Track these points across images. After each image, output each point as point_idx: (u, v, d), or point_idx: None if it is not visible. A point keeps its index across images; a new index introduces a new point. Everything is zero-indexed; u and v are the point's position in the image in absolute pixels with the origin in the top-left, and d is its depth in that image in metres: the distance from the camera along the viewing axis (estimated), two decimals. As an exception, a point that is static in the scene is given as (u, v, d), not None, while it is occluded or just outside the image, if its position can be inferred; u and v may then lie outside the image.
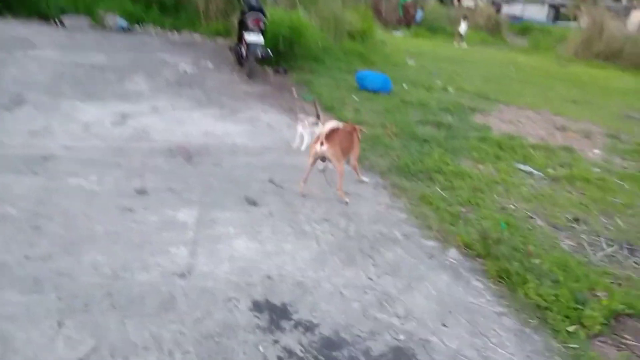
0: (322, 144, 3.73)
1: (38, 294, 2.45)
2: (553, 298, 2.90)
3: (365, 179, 4.39)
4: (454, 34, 20.60)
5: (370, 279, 2.97)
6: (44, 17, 9.92)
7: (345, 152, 3.97)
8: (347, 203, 3.90)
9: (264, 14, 7.99)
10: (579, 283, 3.10)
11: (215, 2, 11.03)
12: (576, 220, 4.14)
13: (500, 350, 2.52)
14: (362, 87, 7.96)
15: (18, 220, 3.06)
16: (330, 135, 3.77)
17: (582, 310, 2.82)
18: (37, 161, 3.90)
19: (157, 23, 10.97)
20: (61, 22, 9.85)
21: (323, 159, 3.89)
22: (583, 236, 3.88)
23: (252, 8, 7.93)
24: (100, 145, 4.42)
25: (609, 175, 5.37)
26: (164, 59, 8.34)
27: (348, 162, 4.16)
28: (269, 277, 2.83)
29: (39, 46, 7.97)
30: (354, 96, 7.44)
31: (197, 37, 10.88)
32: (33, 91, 5.68)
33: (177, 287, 2.62)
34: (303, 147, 4.90)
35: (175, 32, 10.91)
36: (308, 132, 4.89)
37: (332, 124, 3.79)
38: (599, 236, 3.92)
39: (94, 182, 3.69)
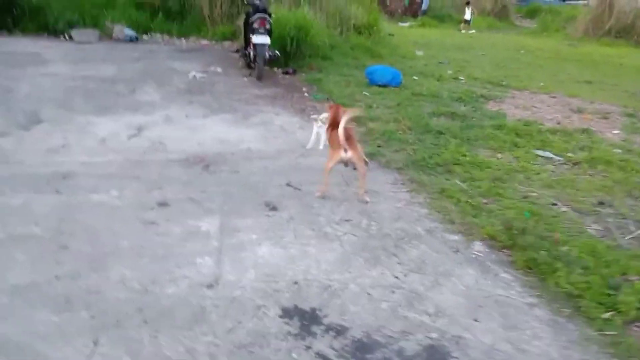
0: (345, 150, 3.71)
1: (70, 312, 2.46)
2: (585, 285, 2.86)
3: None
4: (461, 21, 20.47)
5: (397, 278, 2.95)
6: (53, 32, 10.02)
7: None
8: (367, 202, 3.88)
9: (268, 14, 7.95)
10: (610, 268, 3.06)
11: (219, 6, 11.05)
12: (601, 203, 4.08)
13: (535, 342, 2.48)
14: (372, 82, 7.90)
15: (44, 239, 3.08)
16: (350, 139, 3.76)
17: (616, 296, 2.78)
18: (58, 179, 3.93)
19: (164, 31, 11.02)
20: (70, 36, 9.93)
21: (346, 163, 3.88)
22: (609, 220, 3.82)
23: (256, 8, 7.87)
24: (118, 159, 4.44)
25: (630, 155, 5.28)
26: (173, 67, 8.36)
27: None
28: (295, 283, 2.82)
29: (50, 61, 8.03)
30: (364, 92, 7.40)
31: (204, 42, 10.91)
32: (47, 108, 5.72)
33: (205, 298, 2.62)
34: (321, 146, 4.88)
35: (182, 39, 10.94)
36: (324, 130, 4.86)
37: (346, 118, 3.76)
38: (625, 219, 3.85)
39: (115, 197, 3.71)
